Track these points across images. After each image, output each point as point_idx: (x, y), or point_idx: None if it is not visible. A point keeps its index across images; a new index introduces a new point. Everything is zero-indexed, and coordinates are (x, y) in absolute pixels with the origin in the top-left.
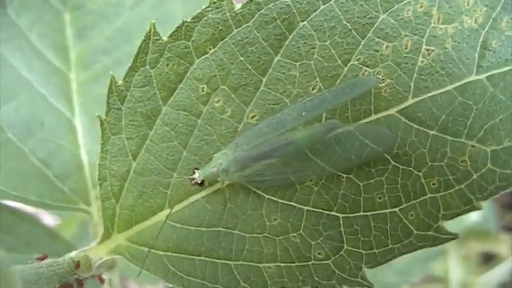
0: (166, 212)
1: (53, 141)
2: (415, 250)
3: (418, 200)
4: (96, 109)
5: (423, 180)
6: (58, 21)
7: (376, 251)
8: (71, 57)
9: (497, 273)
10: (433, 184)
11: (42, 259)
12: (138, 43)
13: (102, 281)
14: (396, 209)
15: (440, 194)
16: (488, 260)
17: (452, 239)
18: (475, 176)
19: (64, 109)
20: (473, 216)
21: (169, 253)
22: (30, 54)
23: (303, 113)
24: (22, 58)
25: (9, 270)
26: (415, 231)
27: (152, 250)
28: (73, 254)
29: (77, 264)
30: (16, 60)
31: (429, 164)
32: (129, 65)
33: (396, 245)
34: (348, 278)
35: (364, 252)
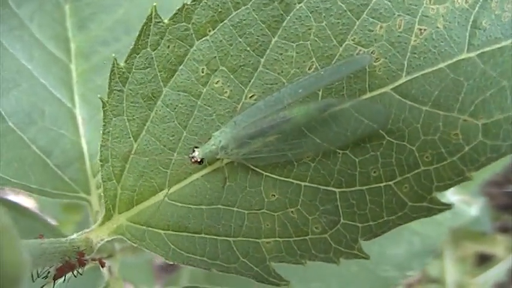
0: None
1: (53, 130)
2: (410, 221)
3: (412, 173)
4: (97, 99)
5: (417, 154)
6: (58, 12)
7: (371, 223)
8: (71, 48)
9: (493, 274)
10: (426, 157)
11: (41, 237)
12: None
13: (102, 264)
14: (391, 183)
15: (434, 166)
16: (484, 261)
17: (446, 209)
18: (466, 149)
19: (65, 99)
20: (473, 211)
21: (170, 231)
22: (31, 44)
23: (300, 91)
24: (23, 48)
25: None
26: (409, 203)
27: (152, 229)
28: (74, 235)
29: (81, 253)
30: (17, 50)
31: (422, 138)
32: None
33: (391, 217)
34: (345, 250)
35: (360, 225)
